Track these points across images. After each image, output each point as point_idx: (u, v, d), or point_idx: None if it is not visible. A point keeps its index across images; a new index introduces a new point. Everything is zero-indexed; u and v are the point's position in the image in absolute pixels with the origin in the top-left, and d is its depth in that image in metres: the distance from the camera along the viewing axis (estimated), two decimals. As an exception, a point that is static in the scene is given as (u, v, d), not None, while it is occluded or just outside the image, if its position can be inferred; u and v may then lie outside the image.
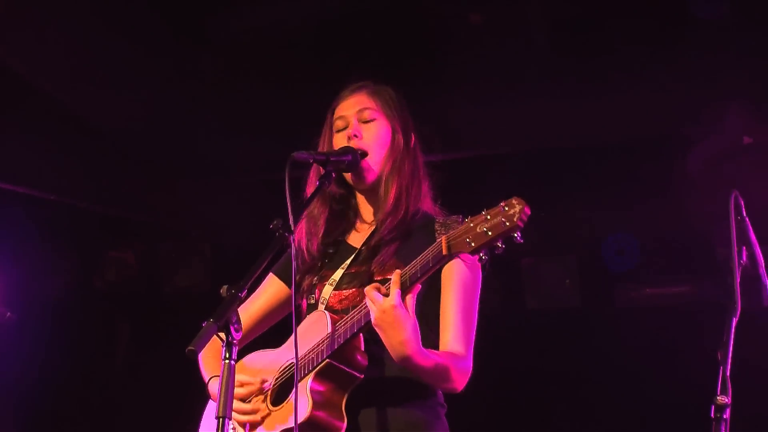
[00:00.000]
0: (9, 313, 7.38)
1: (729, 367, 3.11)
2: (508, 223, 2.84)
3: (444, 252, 3.01)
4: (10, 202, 7.36)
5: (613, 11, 6.13)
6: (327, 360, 3.25)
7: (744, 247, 3.32)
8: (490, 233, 2.87)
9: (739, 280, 3.25)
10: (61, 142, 7.12)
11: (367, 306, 3.15)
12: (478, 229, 2.90)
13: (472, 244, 2.92)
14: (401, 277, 3.10)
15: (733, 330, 3.17)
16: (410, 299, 3.11)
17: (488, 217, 2.89)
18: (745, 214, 3.35)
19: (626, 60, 6.33)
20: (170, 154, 7.56)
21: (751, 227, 3.35)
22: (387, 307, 3.06)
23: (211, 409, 3.77)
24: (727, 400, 3.07)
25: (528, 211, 2.84)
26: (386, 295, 3.10)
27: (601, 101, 6.55)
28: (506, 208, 2.86)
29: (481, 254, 2.95)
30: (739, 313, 3.19)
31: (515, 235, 2.85)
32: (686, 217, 7.04)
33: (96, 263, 8.70)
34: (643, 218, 7.39)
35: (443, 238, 3.02)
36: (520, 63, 6.45)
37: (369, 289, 3.13)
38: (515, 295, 7.85)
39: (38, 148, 7.04)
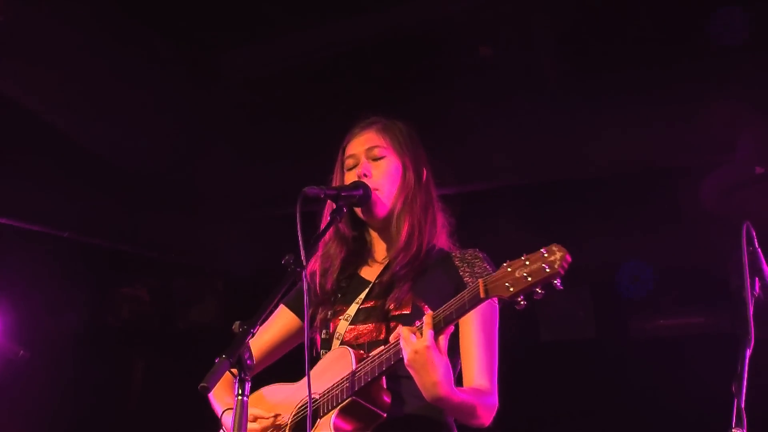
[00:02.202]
0: (22, 351, 7.37)
1: (744, 398, 3.09)
2: (548, 270, 2.82)
3: (482, 295, 2.98)
4: (25, 239, 7.39)
5: (624, 41, 6.15)
6: (352, 397, 3.23)
7: (757, 278, 3.31)
8: (530, 279, 2.85)
9: (752, 311, 3.23)
10: (74, 179, 7.15)
11: (395, 345, 3.13)
12: (517, 274, 2.88)
13: (511, 289, 2.89)
14: (434, 318, 3.07)
15: (747, 361, 3.15)
16: (443, 340, 3.08)
17: (527, 262, 2.87)
18: (757, 245, 3.33)
19: (639, 90, 6.34)
20: (183, 190, 7.58)
21: (763, 258, 3.33)
22: (420, 348, 3.03)
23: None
24: (742, 432, 3.05)
25: (569, 258, 2.83)
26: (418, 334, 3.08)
27: (615, 131, 6.54)
28: (546, 255, 2.84)
29: (519, 299, 2.91)
30: (753, 344, 3.17)
31: (555, 282, 2.83)
32: (699, 248, 7.01)
33: (109, 300, 8.71)
34: (656, 249, 7.37)
35: (480, 281, 2.98)
36: (530, 95, 6.47)
37: (404, 330, 3.10)
38: (529, 327, 7.83)
39: (51, 186, 7.08)
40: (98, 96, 6.62)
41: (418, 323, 3.10)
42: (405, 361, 3.07)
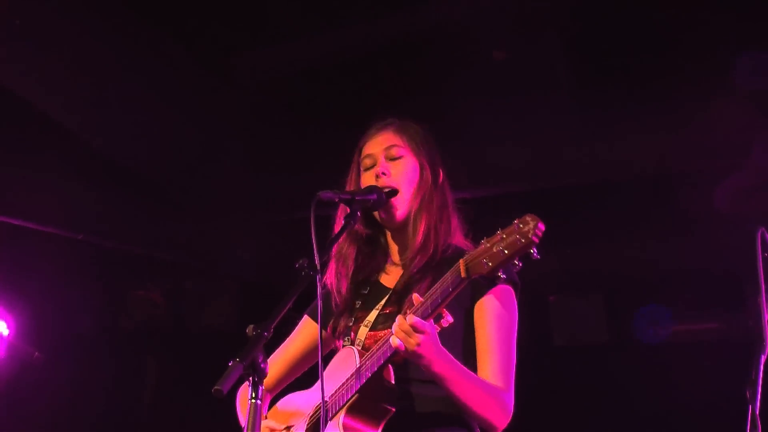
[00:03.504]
0: (37, 353, 7.41)
1: (758, 404, 3.08)
2: (523, 240, 2.83)
3: (462, 275, 2.99)
4: (39, 241, 7.42)
5: (637, 47, 6.14)
6: (356, 394, 3.23)
7: (771, 284, 3.30)
8: (506, 251, 2.86)
9: (766, 317, 3.22)
10: (88, 182, 7.18)
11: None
12: (494, 249, 2.90)
13: (489, 264, 2.91)
14: (422, 304, 3.09)
15: (761, 367, 3.14)
16: (430, 322, 3.09)
17: (504, 236, 2.89)
18: (772, 251, 3.33)
19: (652, 95, 6.32)
20: (197, 193, 7.59)
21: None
22: (406, 329, 3.04)
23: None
24: (757, 439, 3.04)
25: (542, 226, 2.83)
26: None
27: (628, 136, 6.53)
28: (521, 226, 2.85)
29: (499, 273, 2.94)
30: (767, 350, 3.17)
31: (532, 251, 2.84)
32: (713, 253, 7.00)
33: (123, 302, 8.74)
34: (670, 254, 7.36)
35: (461, 261, 3.01)
36: (545, 100, 6.46)
37: (398, 318, 3.09)
38: (543, 332, 7.82)
39: (65, 188, 7.11)
40: (113, 98, 6.63)
41: (409, 310, 3.11)
42: (393, 345, 3.08)
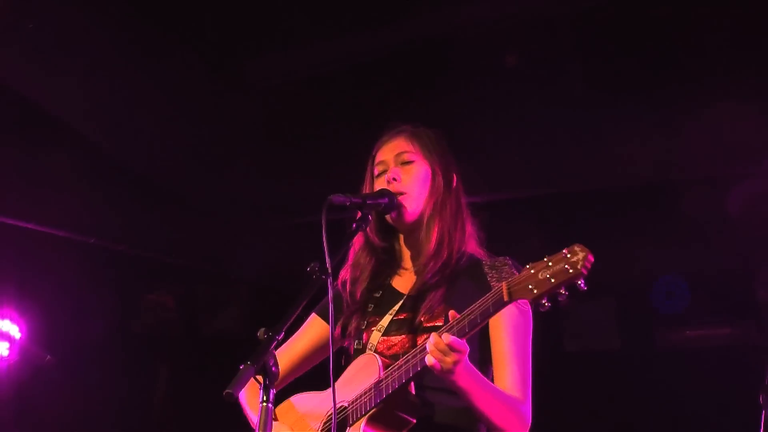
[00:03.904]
0: (48, 357, 7.42)
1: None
2: (571, 271, 2.77)
3: (505, 299, 2.94)
4: (51, 245, 7.44)
5: (650, 53, 6.13)
6: (380, 405, 3.23)
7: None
8: (553, 280, 2.80)
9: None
10: (100, 186, 7.19)
11: (421, 351, 3.10)
12: (540, 276, 2.83)
13: (535, 291, 2.84)
14: (458, 322, 3.05)
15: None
16: (464, 342, 3.05)
17: (550, 263, 2.83)
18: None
19: (665, 101, 6.32)
20: (208, 198, 7.61)
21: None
22: (443, 348, 3.00)
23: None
24: (770, 444, 3.03)
25: (591, 258, 2.77)
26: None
27: (641, 143, 6.52)
28: (569, 255, 2.79)
29: (543, 301, 2.86)
30: (780, 355, 3.16)
31: (579, 282, 2.78)
32: (725, 259, 6.98)
33: (134, 306, 8.75)
34: (682, 259, 7.34)
35: (504, 284, 2.95)
36: (557, 105, 6.46)
37: (433, 336, 3.04)
38: (554, 337, 7.81)
39: (78, 193, 7.12)
40: (124, 102, 6.65)
41: (444, 327, 3.08)
42: (428, 363, 3.04)
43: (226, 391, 2.71)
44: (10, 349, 7.42)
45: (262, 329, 2.89)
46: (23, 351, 7.47)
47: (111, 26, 6.05)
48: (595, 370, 7.64)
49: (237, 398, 2.74)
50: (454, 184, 3.66)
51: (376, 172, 3.68)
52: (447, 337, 3.00)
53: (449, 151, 3.73)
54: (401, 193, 3.54)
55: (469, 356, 3.14)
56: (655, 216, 7.09)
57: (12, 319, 7.45)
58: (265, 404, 2.80)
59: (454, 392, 3.18)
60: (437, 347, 3.02)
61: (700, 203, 6.70)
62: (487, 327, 3.40)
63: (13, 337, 7.43)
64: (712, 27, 5.80)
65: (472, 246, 3.61)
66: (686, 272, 7.40)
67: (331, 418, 3.42)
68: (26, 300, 7.56)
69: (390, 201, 3.50)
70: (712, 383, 7.04)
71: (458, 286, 3.44)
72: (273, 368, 2.82)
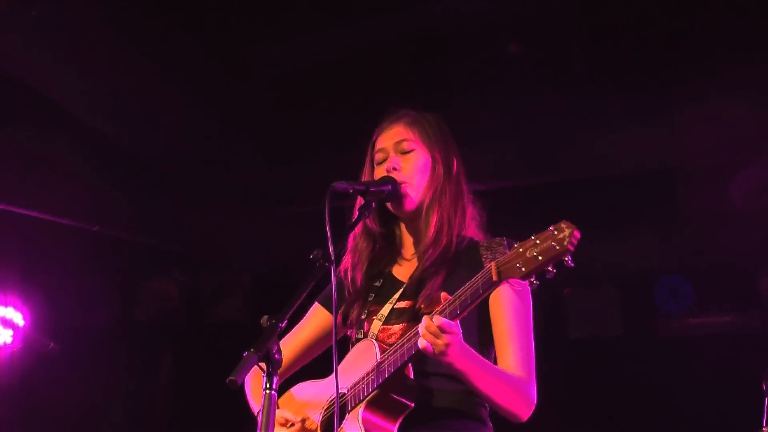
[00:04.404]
0: (52, 344, 7.44)
1: (774, 397, 3.07)
2: (558, 247, 2.79)
3: (494, 278, 2.96)
4: (55, 233, 7.44)
5: (654, 40, 6.11)
6: (378, 389, 3.24)
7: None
8: (540, 258, 2.82)
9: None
10: (104, 174, 7.20)
11: (415, 334, 3.11)
12: (528, 254, 2.86)
13: (523, 269, 2.87)
14: (450, 304, 3.07)
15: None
16: (456, 323, 3.07)
17: (537, 241, 2.85)
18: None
19: (665, 90, 6.30)
20: (212, 186, 7.61)
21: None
22: (434, 330, 3.02)
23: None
24: (772, 432, 3.03)
25: (578, 234, 2.78)
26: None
27: (643, 131, 6.51)
28: (555, 232, 2.81)
29: (532, 279, 2.89)
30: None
31: (566, 259, 2.80)
32: (728, 247, 6.98)
33: (138, 294, 8.76)
34: (684, 248, 7.34)
35: (492, 264, 2.98)
36: (560, 93, 6.45)
37: (424, 319, 3.07)
38: (557, 325, 7.81)
39: (81, 181, 7.12)
40: (127, 92, 6.65)
41: (436, 309, 3.09)
42: (420, 347, 3.06)
43: (229, 378, 2.71)
44: (13, 336, 7.44)
45: (265, 317, 2.89)
46: (27, 338, 7.49)
47: (114, 14, 6.04)
48: (599, 356, 7.65)
49: (240, 385, 2.75)
50: (455, 170, 3.64)
51: (376, 160, 3.67)
52: (438, 319, 3.02)
53: (450, 135, 3.71)
54: (402, 183, 3.54)
55: (467, 339, 3.16)
56: (659, 204, 7.09)
57: (15, 307, 7.46)
58: (268, 391, 2.80)
59: (454, 376, 3.19)
60: (428, 330, 3.03)
61: (704, 192, 6.70)
62: (487, 310, 3.42)
63: (17, 324, 7.45)
64: (712, 17, 5.79)
65: (473, 230, 3.61)
66: (689, 261, 7.40)
67: (331, 405, 3.43)
68: (30, 288, 7.58)
69: (393, 188, 3.50)
70: (714, 371, 7.04)
71: (457, 273, 3.43)
72: (276, 355, 2.82)
